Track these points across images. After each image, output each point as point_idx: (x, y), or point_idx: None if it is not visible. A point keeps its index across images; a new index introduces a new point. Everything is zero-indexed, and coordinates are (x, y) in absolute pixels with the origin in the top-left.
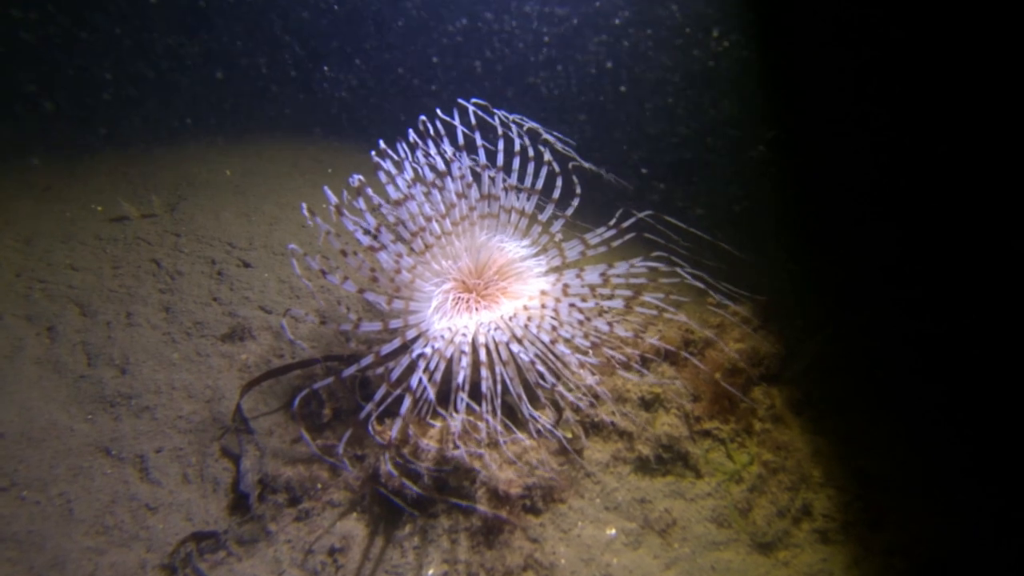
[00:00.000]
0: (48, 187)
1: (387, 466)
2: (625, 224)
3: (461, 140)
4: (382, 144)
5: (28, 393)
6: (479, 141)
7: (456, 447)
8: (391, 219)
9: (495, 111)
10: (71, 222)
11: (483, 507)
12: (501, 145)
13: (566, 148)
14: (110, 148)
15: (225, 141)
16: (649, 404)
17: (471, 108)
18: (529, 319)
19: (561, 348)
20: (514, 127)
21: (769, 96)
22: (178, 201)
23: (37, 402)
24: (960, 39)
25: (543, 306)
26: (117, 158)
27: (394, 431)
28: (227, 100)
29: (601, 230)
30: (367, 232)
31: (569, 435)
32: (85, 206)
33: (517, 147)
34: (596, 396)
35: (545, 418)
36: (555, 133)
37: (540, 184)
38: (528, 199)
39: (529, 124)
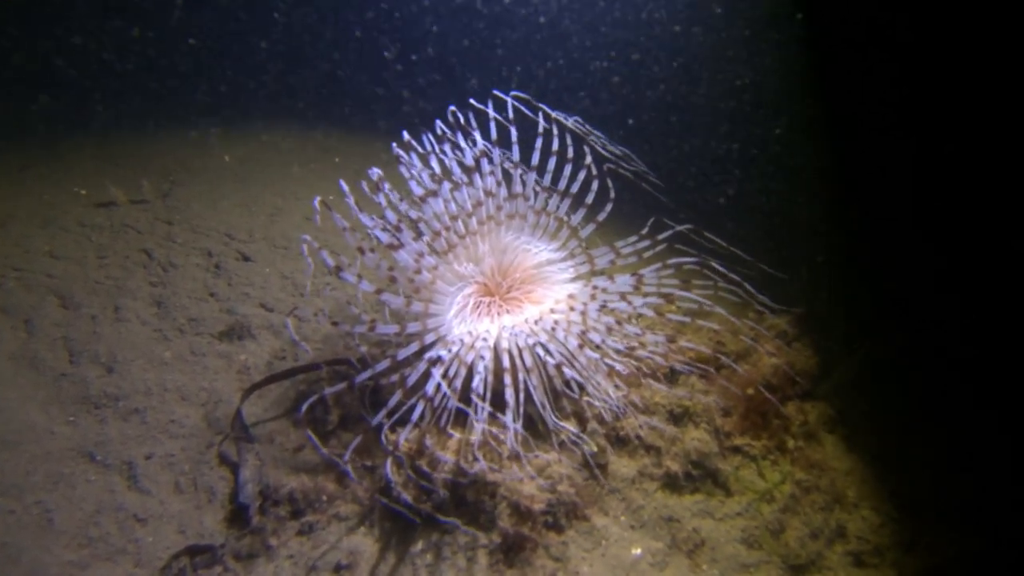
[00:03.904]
0: (25, 167)
1: (400, 477)
2: (661, 236)
3: (494, 134)
4: (406, 136)
5: (2, 392)
6: (513, 136)
7: (476, 459)
8: (412, 216)
9: (536, 104)
10: (51, 206)
11: (504, 523)
12: (539, 144)
13: (620, 153)
14: (95, 127)
15: (224, 125)
16: (678, 418)
17: (510, 101)
18: (556, 323)
19: (589, 354)
20: (555, 127)
21: (811, 104)
22: (171, 187)
23: (12, 402)
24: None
25: (571, 309)
26: (103, 138)
27: (401, 438)
28: (226, 82)
29: (633, 239)
30: (386, 229)
31: (594, 448)
32: (67, 189)
33: (555, 147)
34: (623, 408)
35: (570, 429)
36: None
37: (576, 188)
38: (561, 201)
39: (572, 121)
